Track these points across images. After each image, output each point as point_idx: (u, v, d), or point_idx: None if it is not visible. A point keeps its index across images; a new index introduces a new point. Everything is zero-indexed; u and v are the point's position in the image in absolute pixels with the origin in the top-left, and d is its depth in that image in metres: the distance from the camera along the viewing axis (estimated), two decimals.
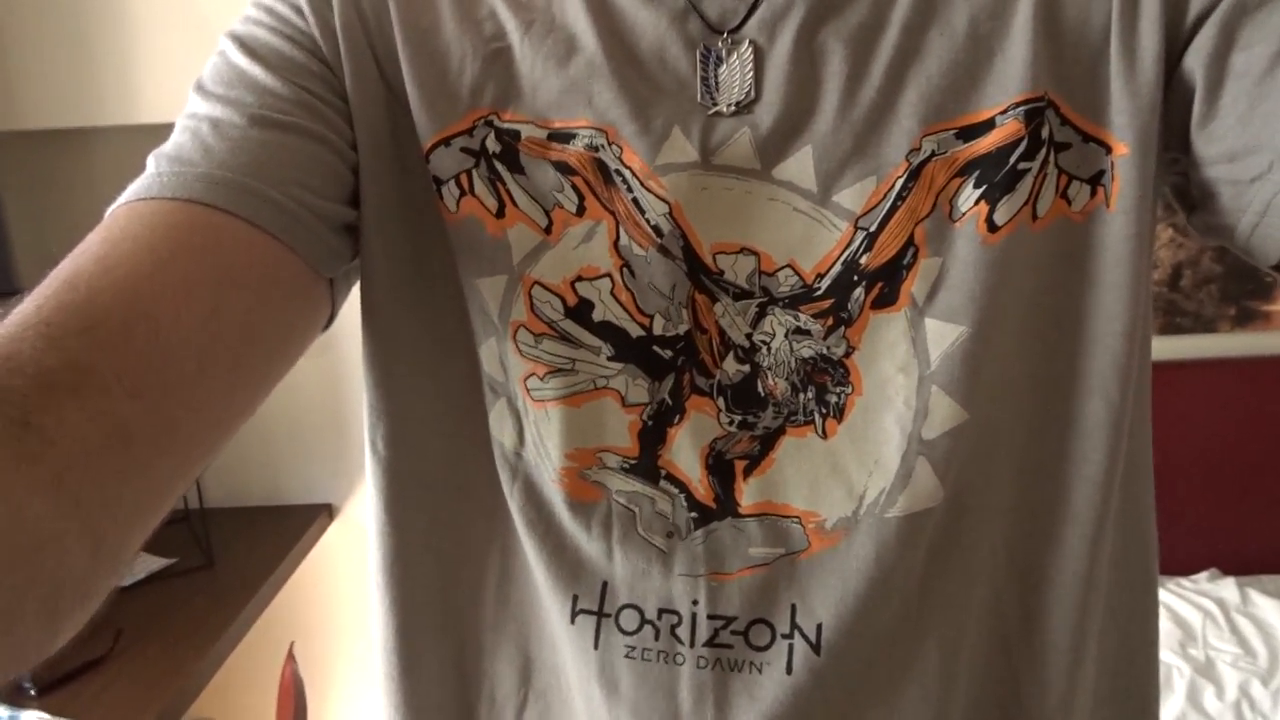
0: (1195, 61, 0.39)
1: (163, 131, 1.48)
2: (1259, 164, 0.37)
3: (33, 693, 1.05)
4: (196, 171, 0.42)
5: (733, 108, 0.42)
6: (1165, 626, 1.40)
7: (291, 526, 1.50)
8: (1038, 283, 0.42)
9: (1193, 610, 1.42)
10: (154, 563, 1.39)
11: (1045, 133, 0.41)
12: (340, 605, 1.60)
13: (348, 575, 1.59)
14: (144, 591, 1.31)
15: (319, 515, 1.54)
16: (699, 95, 0.43)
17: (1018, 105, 0.41)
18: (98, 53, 1.30)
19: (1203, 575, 1.54)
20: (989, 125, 0.41)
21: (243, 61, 0.45)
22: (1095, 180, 0.41)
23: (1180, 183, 0.43)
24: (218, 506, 1.54)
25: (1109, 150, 0.41)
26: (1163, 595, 1.48)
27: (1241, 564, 1.58)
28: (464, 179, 0.45)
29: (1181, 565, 1.58)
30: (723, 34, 0.43)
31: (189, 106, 0.47)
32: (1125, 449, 0.43)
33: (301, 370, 1.58)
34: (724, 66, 0.43)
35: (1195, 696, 1.27)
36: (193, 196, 0.41)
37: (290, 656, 1.39)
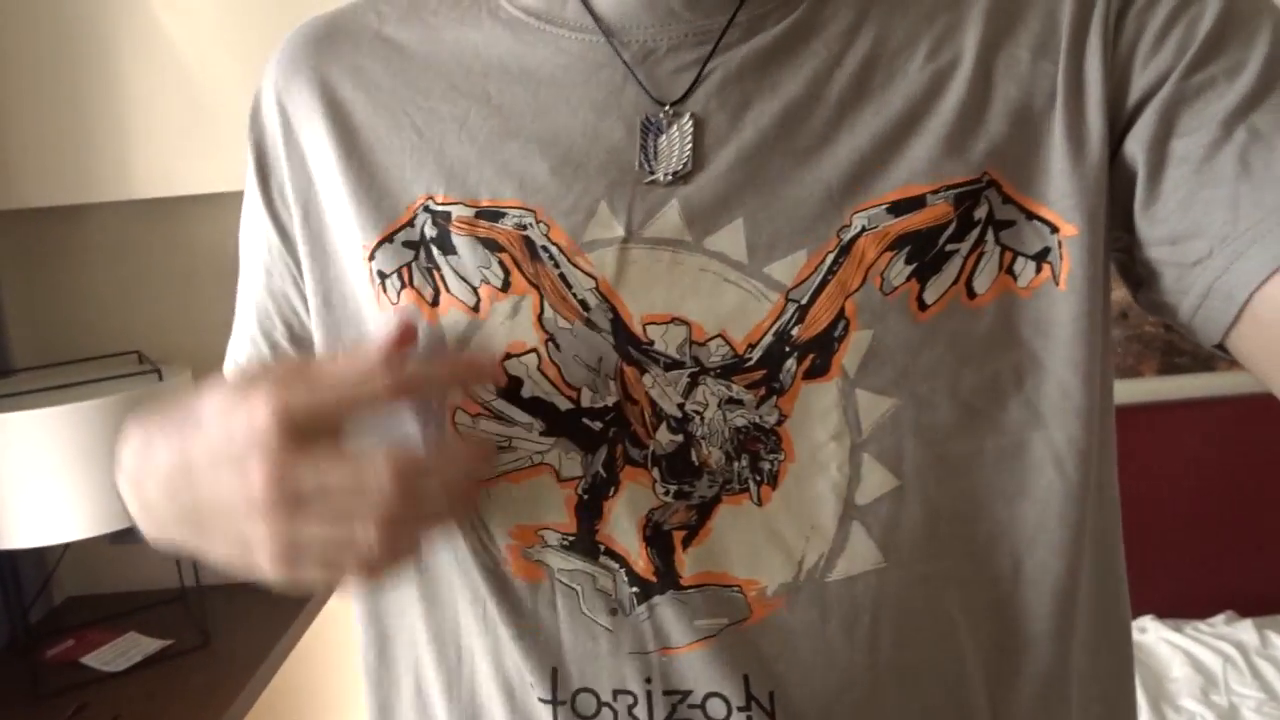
0: (1137, 145, 0.40)
1: (155, 206, 1.48)
2: (1200, 249, 0.38)
3: None
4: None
5: (669, 177, 0.43)
6: (1186, 673, 1.38)
7: (289, 603, 1.47)
8: (976, 357, 0.42)
9: (1213, 655, 1.40)
10: (149, 645, 1.35)
11: (981, 213, 0.41)
12: (341, 685, 1.56)
13: (347, 650, 1.55)
14: (139, 676, 1.27)
15: (317, 592, 1.51)
16: (637, 164, 0.44)
17: (950, 187, 0.41)
18: (92, 130, 1.30)
19: (1219, 618, 1.52)
20: (920, 202, 0.41)
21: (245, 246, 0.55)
22: (1041, 257, 0.42)
23: (1125, 260, 0.44)
24: (213, 584, 1.51)
25: (1055, 229, 0.41)
26: (1181, 640, 1.45)
27: (1257, 604, 1.56)
28: (405, 272, 0.46)
29: (1198, 608, 1.56)
30: (664, 105, 0.44)
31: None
32: (1090, 521, 0.43)
33: None
34: (663, 137, 0.43)
35: None
36: None
37: None
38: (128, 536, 1.45)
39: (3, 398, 1.19)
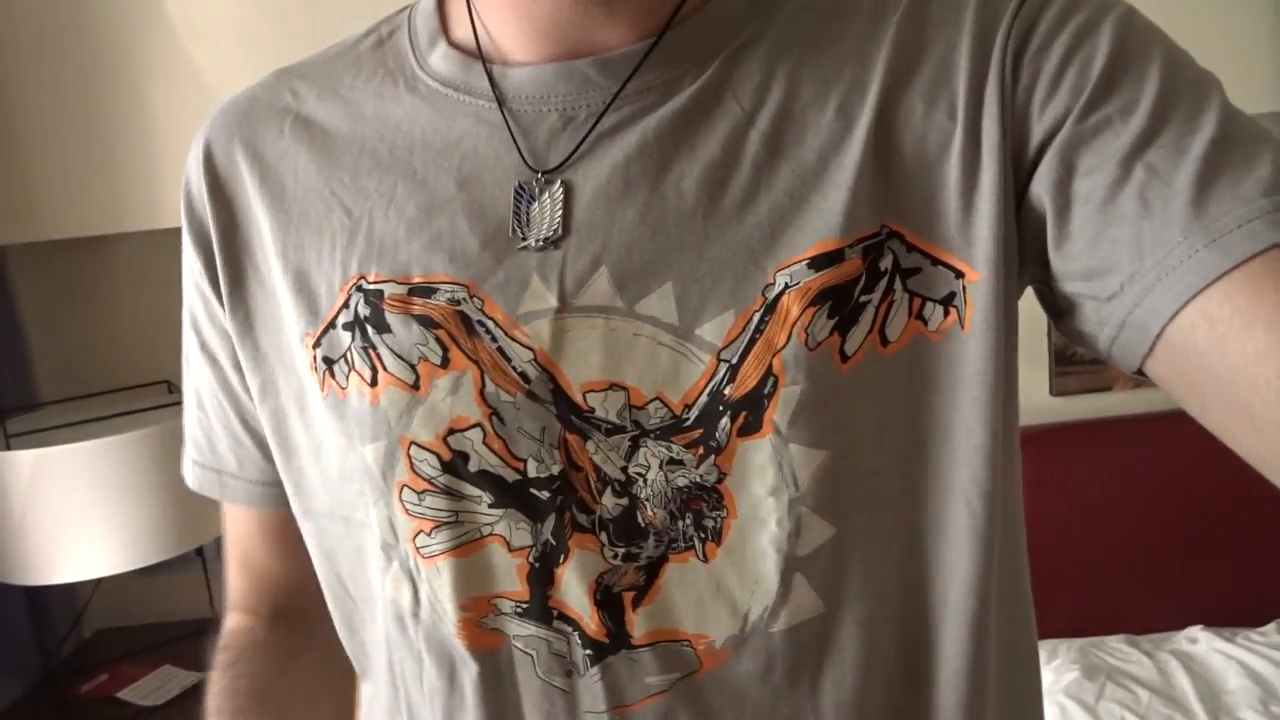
0: (1042, 188, 0.41)
1: (180, 234, 1.44)
2: (1112, 284, 0.39)
3: None
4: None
5: (539, 243, 0.44)
6: (1242, 684, 1.35)
7: None
8: (896, 402, 0.43)
9: (1268, 665, 1.37)
10: (186, 678, 1.34)
11: (886, 263, 0.42)
12: None
13: None
14: (177, 710, 1.27)
15: None
16: (510, 230, 0.44)
17: (859, 241, 0.42)
18: (120, 161, 1.30)
19: (1271, 626, 1.49)
20: (839, 256, 0.42)
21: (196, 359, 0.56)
22: (948, 301, 0.43)
23: (1045, 291, 0.44)
24: None
25: (959, 275, 0.42)
26: (1235, 651, 1.43)
27: None
28: (349, 355, 0.47)
29: (1248, 617, 1.53)
30: (538, 173, 0.45)
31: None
32: (997, 557, 0.44)
33: None
34: (535, 204, 0.44)
35: None
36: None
37: None
38: (159, 568, 1.45)
39: (31, 433, 1.17)
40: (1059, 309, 0.43)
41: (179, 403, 1.26)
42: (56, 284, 1.48)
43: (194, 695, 1.29)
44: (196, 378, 0.56)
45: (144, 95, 1.29)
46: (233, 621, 0.61)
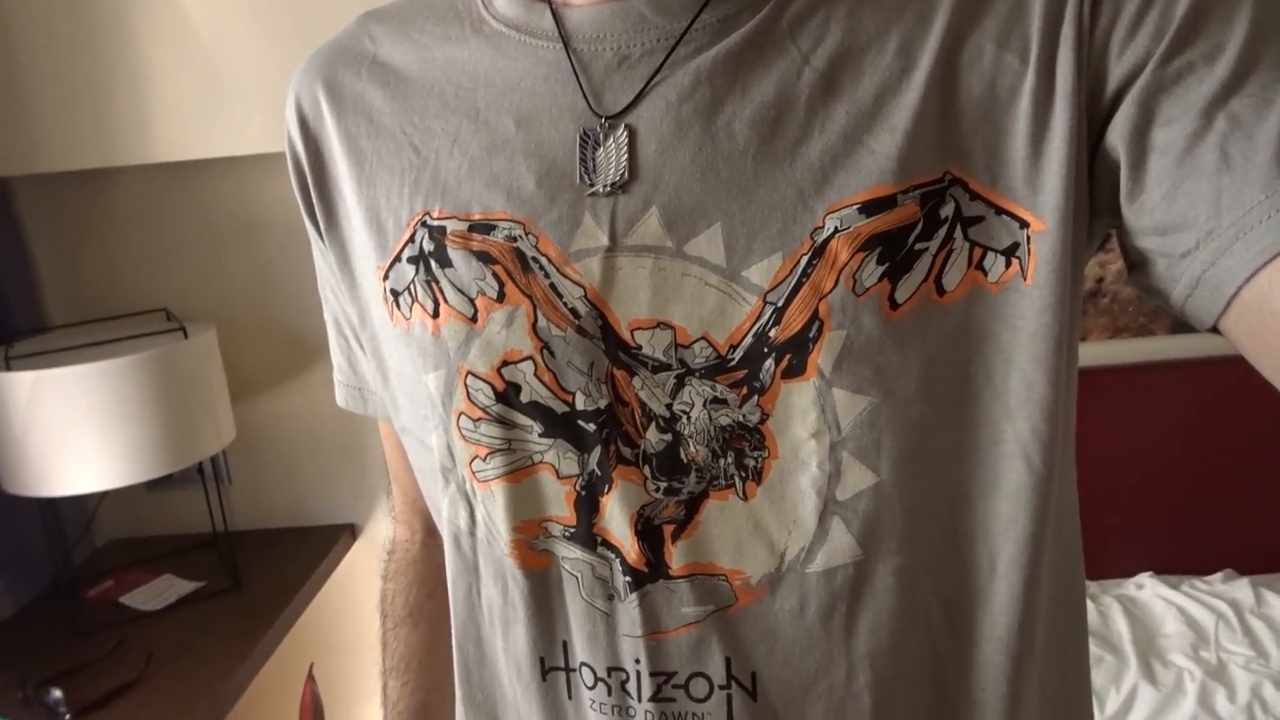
0: (1118, 137, 0.39)
1: (177, 169, 1.56)
2: (1187, 241, 0.38)
3: (68, 716, 1.10)
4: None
5: (608, 188, 0.44)
6: (1178, 629, 1.40)
7: (315, 547, 1.55)
8: (949, 353, 0.42)
9: (1206, 612, 1.42)
10: (184, 586, 1.44)
11: (947, 211, 0.41)
12: (363, 624, 1.64)
13: (369, 594, 1.63)
14: (174, 615, 1.35)
15: (342, 535, 1.58)
16: (578, 176, 0.45)
17: (916, 187, 0.41)
18: (114, 97, 1.34)
19: (1217, 576, 1.53)
20: (891, 202, 0.41)
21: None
22: (1010, 252, 0.41)
23: (1123, 240, 0.43)
24: (243, 529, 1.59)
25: (1024, 225, 0.41)
26: (1176, 597, 1.47)
27: (1257, 563, 1.57)
28: (413, 287, 0.49)
29: (1196, 566, 1.57)
30: (602, 118, 0.45)
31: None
32: (1053, 512, 0.44)
33: (321, 394, 1.63)
34: (600, 149, 0.44)
35: (1207, 700, 1.27)
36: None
37: (310, 677, 1.43)
38: (164, 484, 1.53)
39: (41, 354, 1.25)
40: (1129, 260, 0.42)
41: (175, 329, 1.33)
42: (62, 215, 1.54)
43: (190, 601, 1.39)
44: (329, 307, 0.60)
45: (133, 36, 1.32)
46: (396, 533, 0.68)
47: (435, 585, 0.65)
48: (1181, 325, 1.69)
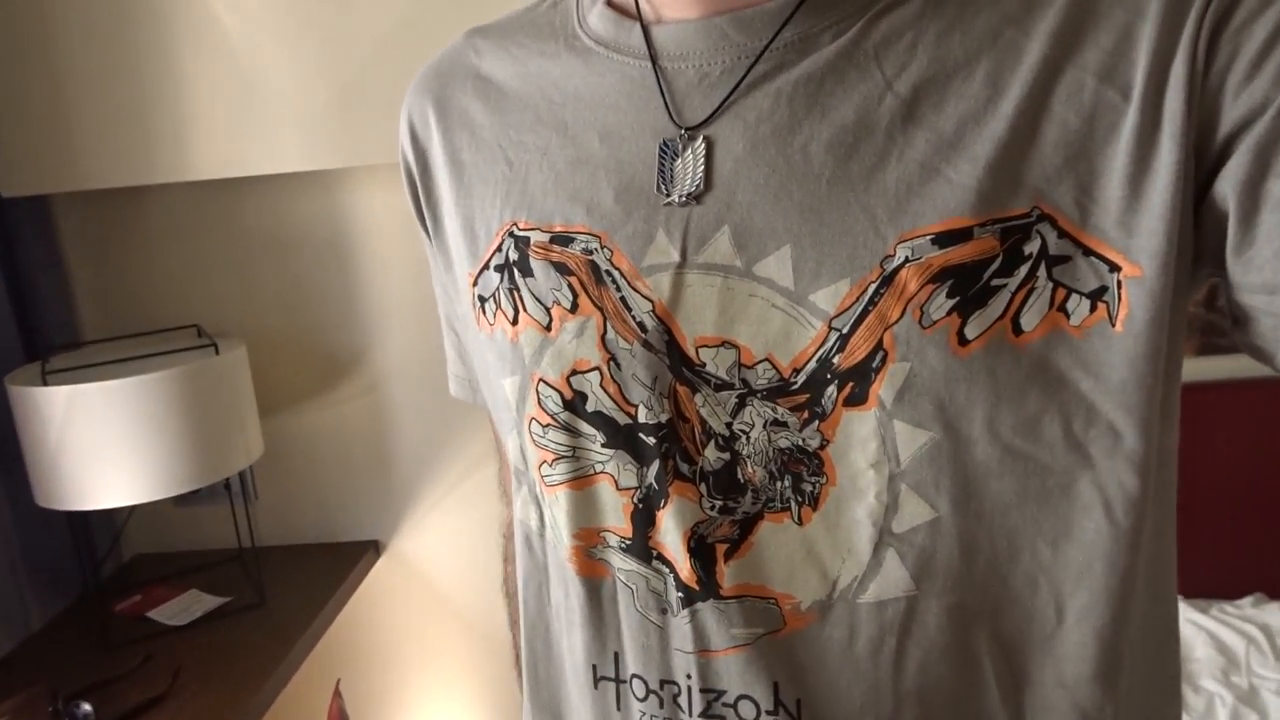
0: (1229, 185, 0.37)
1: (211, 187, 1.59)
2: None
3: None
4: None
5: (683, 199, 0.44)
6: (1208, 654, 1.39)
7: (340, 563, 1.55)
8: (1020, 396, 0.40)
9: (1236, 637, 1.40)
10: (210, 601, 1.44)
11: (1032, 248, 0.40)
12: (387, 640, 1.65)
13: (393, 611, 1.64)
14: (201, 630, 1.36)
15: (366, 552, 1.59)
16: (655, 187, 0.45)
17: (997, 221, 0.40)
18: (152, 116, 1.37)
19: (1247, 600, 1.51)
20: (967, 234, 0.40)
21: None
22: (1097, 296, 0.40)
23: (1227, 294, 0.41)
24: (269, 545, 1.60)
25: (1115, 268, 0.39)
26: (1206, 621, 1.46)
27: None
28: (498, 294, 0.50)
29: (1225, 589, 1.56)
30: (681, 129, 0.45)
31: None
32: (1141, 567, 0.42)
33: (348, 411, 1.64)
34: (679, 160, 0.45)
35: None
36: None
37: (337, 693, 1.44)
38: (191, 499, 1.55)
39: (76, 369, 1.27)
40: (1233, 315, 0.40)
41: (207, 346, 1.34)
42: (97, 232, 1.57)
43: (216, 616, 1.40)
44: (441, 305, 0.62)
45: (174, 55, 1.35)
46: (506, 514, 0.67)
47: None
48: (1210, 348, 1.68)
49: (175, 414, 1.27)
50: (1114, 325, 0.39)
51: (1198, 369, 1.64)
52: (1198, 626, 1.43)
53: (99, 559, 1.57)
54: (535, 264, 0.47)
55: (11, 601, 1.39)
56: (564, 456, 0.48)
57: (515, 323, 0.49)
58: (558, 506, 0.49)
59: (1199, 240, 0.39)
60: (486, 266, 0.50)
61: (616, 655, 0.49)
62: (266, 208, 1.54)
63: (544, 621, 0.53)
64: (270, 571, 1.50)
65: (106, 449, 1.24)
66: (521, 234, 0.48)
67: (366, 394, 1.58)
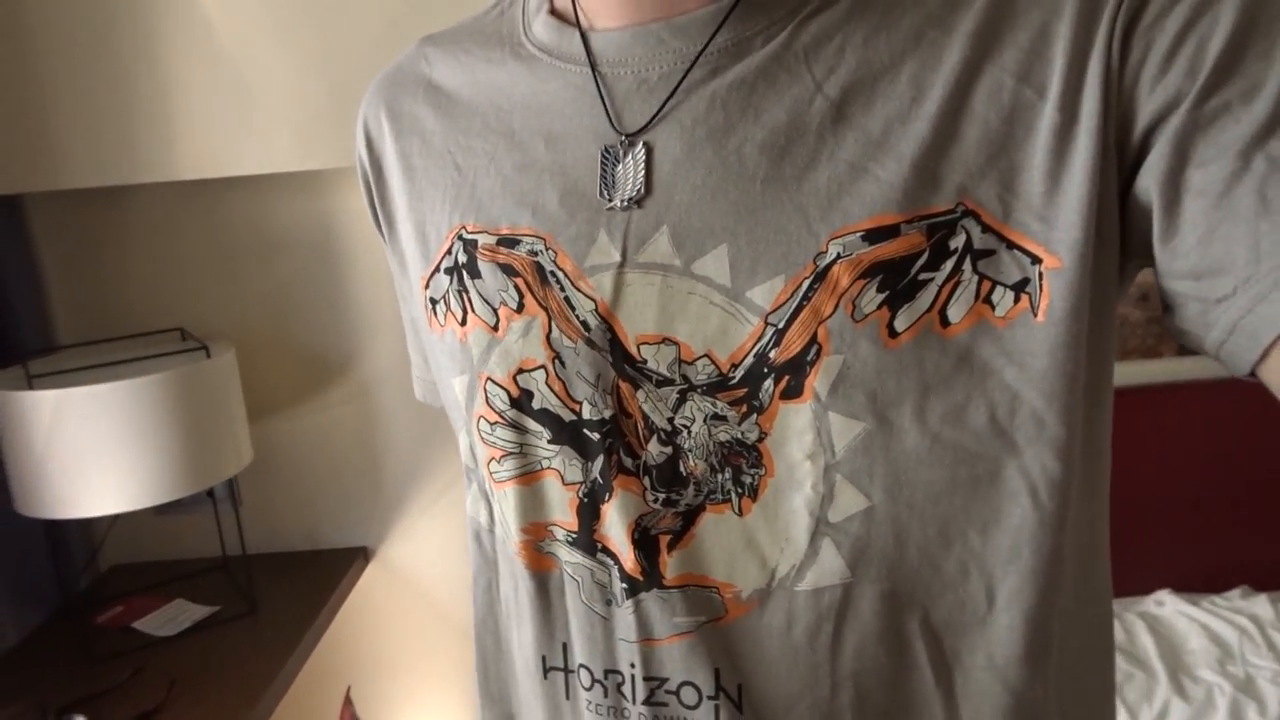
0: (1151, 178, 0.38)
1: (197, 188, 1.55)
2: (1223, 286, 0.37)
3: None
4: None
5: (625, 203, 0.45)
6: (1203, 645, 1.41)
7: (329, 570, 1.52)
8: (948, 385, 0.42)
9: (1229, 628, 1.43)
10: (198, 611, 1.40)
11: (957, 242, 0.41)
12: (380, 647, 1.61)
13: (387, 616, 1.60)
14: (189, 640, 1.32)
15: (355, 558, 1.56)
16: (598, 192, 0.46)
17: (923, 217, 0.41)
18: (136, 113, 1.33)
19: (1235, 592, 1.54)
20: (895, 231, 0.41)
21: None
22: (1020, 287, 0.41)
23: (1157, 283, 0.42)
24: (253, 553, 1.56)
25: (1036, 260, 0.40)
26: (1198, 614, 1.49)
27: (1272, 579, 1.59)
28: (448, 296, 0.51)
29: (1213, 583, 1.59)
30: (622, 135, 0.46)
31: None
32: (1067, 550, 0.44)
33: (335, 416, 1.62)
34: (620, 165, 0.46)
35: (1239, 714, 1.28)
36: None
37: (348, 700, 1.40)
38: (172, 507, 1.51)
39: (62, 373, 1.22)
40: (1163, 302, 0.41)
41: (197, 349, 1.31)
42: (74, 232, 1.52)
43: (204, 626, 1.36)
44: (404, 308, 0.63)
45: (161, 50, 1.32)
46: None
47: None
48: (1184, 348, 1.71)
49: (167, 419, 1.23)
50: (1036, 315, 0.40)
51: (1181, 368, 1.67)
52: (1190, 619, 1.46)
53: (76, 571, 1.51)
54: (483, 266, 0.49)
55: None
56: (511, 453, 0.49)
57: (464, 323, 0.50)
58: (506, 502, 0.50)
59: (1127, 232, 0.40)
60: (437, 269, 0.52)
61: (565, 646, 0.50)
62: (252, 208, 1.51)
63: (493, 616, 0.55)
64: (257, 580, 1.46)
65: (95, 455, 1.19)
66: (469, 237, 0.50)
67: (355, 399, 1.55)
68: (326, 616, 1.41)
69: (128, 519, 1.51)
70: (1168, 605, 1.52)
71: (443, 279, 0.51)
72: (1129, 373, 1.71)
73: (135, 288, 1.54)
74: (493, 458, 0.50)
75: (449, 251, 0.51)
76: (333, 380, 1.54)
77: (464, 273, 0.50)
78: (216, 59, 1.31)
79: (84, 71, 1.32)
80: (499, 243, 0.48)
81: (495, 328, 0.48)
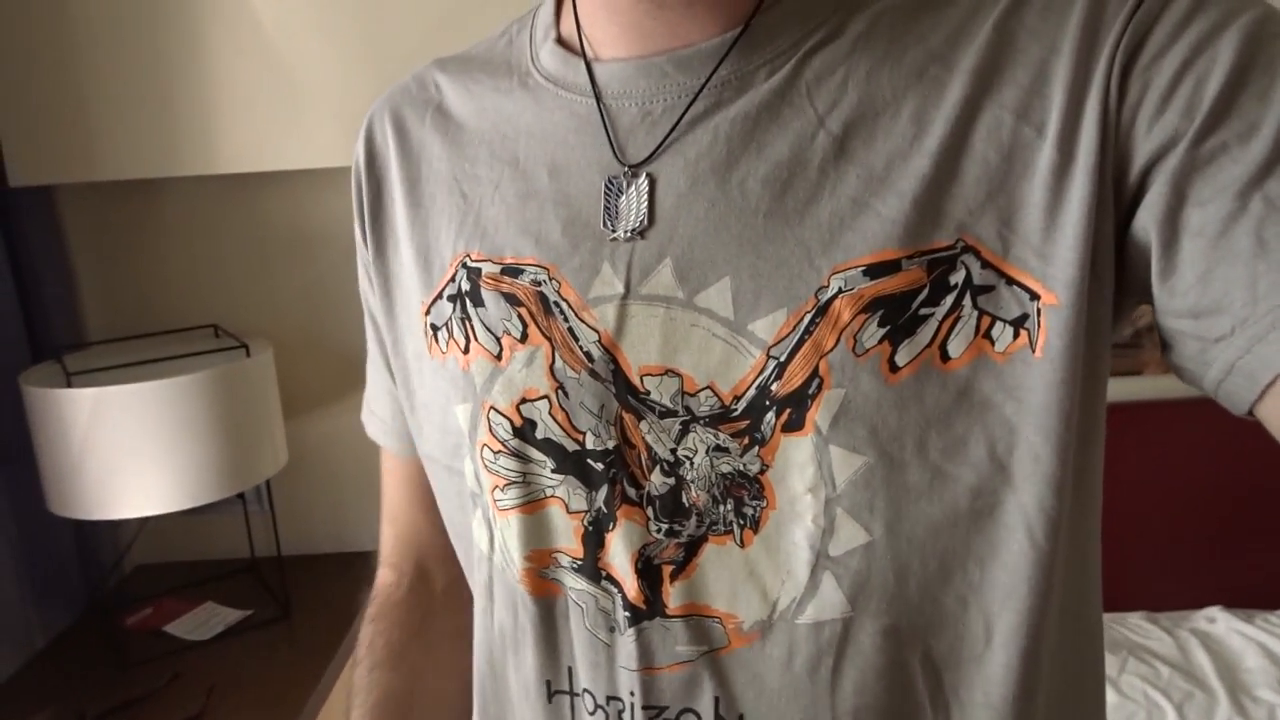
0: (1149, 217, 0.39)
1: (234, 181, 1.51)
2: (1221, 326, 0.37)
3: None
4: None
5: (628, 234, 0.46)
6: (1260, 664, 1.38)
7: (361, 573, 1.49)
8: (948, 420, 0.42)
9: None
10: (230, 615, 1.37)
11: (957, 278, 0.41)
12: None
13: None
14: (223, 644, 1.29)
15: None
16: (601, 223, 0.47)
17: (923, 253, 0.41)
18: (177, 104, 1.30)
19: None
20: (896, 266, 0.41)
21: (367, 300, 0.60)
22: (1019, 323, 0.41)
23: (1155, 320, 0.42)
24: (284, 555, 1.53)
25: (1035, 296, 0.41)
26: (1253, 631, 1.46)
27: None
28: (450, 324, 0.51)
29: (1264, 599, 1.56)
30: (625, 166, 0.46)
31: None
32: (1058, 589, 0.44)
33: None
34: (623, 197, 0.46)
35: None
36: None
37: None
38: (201, 508, 1.48)
39: (96, 371, 1.19)
40: (1161, 339, 0.41)
41: (227, 347, 1.28)
42: (107, 226, 1.49)
43: (237, 630, 1.33)
44: (369, 333, 0.62)
45: (202, 40, 1.29)
46: (381, 576, 0.66)
47: (420, 629, 0.65)
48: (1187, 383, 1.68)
49: (207, 419, 1.20)
50: (1034, 351, 0.41)
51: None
52: (1246, 638, 1.43)
53: (105, 570, 1.48)
54: (486, 294, 0.49)
55: (15, 617, 1.31)
56: (515, 482, 0.49)
57: (466, 351, 0.50)
58: (509, 530, 0.50)
59: (1124, 270, 0.41)
60: (440, 296, 0.52)
61: (570, 670, 0.50)
62: (289, 204, 1.48)
63: (487, 643, 0.55)
64: (289, 582, 1.43)
65: (133, 455, 1.16)
66: (474, 265, 0.50)
67: None
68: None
69: (156, 518, 1.48)
70: (1219, 622, 1.49)
71: (446, 306, 0.51)
72: (1158, 386, 1.68)
73: (167, 282, 1.51)
74: (496, 485, 0.50)
75: (452, 279, 0.51)
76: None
77: (467, 300, 0.50)
78: (262, 52, 1.29)
79: (124, 62, 1.29)
80: (503, 271, 0.49)
81: (498, 357, 0.48)
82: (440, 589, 0.65)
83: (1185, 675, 1.38)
